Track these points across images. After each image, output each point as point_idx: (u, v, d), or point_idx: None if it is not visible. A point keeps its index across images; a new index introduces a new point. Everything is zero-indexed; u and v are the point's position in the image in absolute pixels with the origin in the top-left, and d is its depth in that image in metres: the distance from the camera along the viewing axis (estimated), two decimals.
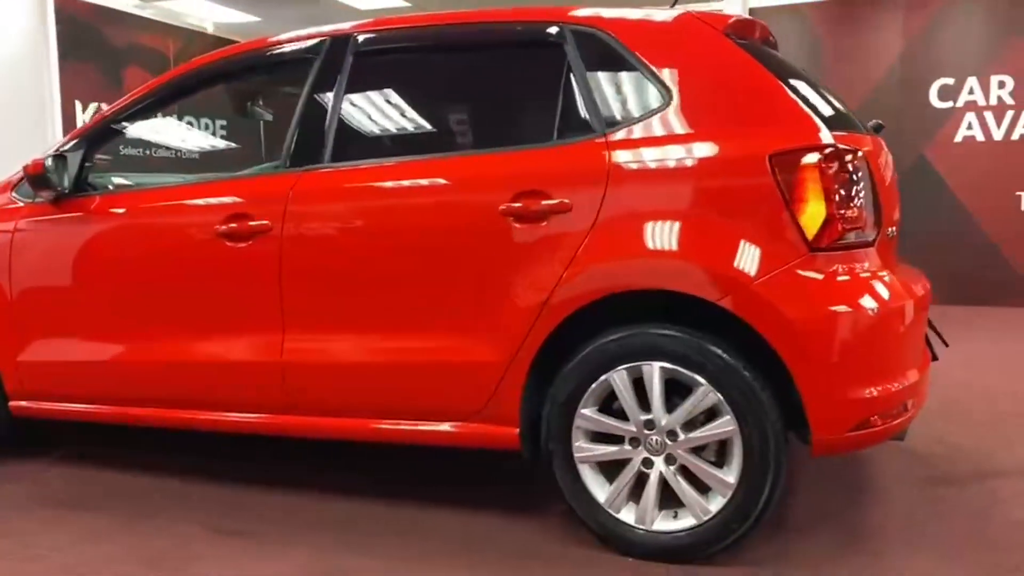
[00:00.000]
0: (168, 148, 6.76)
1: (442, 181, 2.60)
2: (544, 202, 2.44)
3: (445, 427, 2.61)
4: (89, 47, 7.76)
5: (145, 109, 3.14)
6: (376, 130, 2.85)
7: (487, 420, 2.56)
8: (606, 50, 2.53)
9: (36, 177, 2.94)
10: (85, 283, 3.04)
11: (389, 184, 2.66)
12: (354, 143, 2.79)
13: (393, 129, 2.85)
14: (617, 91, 2.53)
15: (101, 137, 3.17)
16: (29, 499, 3.01)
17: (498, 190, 2.49)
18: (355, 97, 2.80)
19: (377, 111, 2.83)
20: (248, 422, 2.86)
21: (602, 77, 2.54)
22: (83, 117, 7.61)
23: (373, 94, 2.82)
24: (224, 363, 2.83)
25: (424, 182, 2.63)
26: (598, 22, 2.57)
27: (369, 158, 2.77)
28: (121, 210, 3.02)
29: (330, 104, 2.78)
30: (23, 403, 3.21)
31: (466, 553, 2.51)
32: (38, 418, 3.25)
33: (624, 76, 2.54)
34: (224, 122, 7.79)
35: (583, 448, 2.46)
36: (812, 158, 2.25)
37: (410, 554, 2.51)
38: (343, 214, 2.68)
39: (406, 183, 2.64)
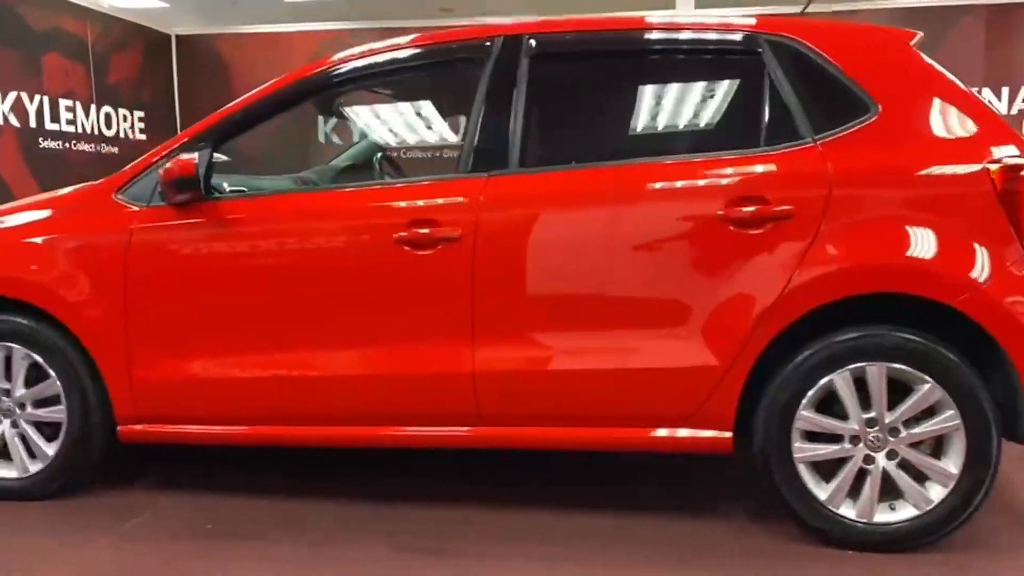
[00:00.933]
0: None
1: (654, 186, 2.59)
2: (764, 207, 2.48)
3: (657, 432, 2.61)
4: (6, 31, 7.04)
5: (277, 106, 2.92)
6: (567, 135, 2.80)
7: (698, 424, 2.58)
8: (804, 59, 2.61)
9: (184, 179, 2.69)
10: (228, 295, 2.80)
11: (596, 189, 2.62)
12: (544, 148, 2.72)
13: (585, 134, 2.81)
14: (819, 99, 2.60)
15: (227, 135, 2.92)
16: (180, 532, 2.75)
17: (715, 196, 2.52)
18: (538, 101, 2.74)
19: (565, 116, 2.78)
20: (429, 436, 2.74)
21: (802, 85, 2.61)
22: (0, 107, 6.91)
23: (558, 98, 2.77)
24: (400, 375, 2.70)
25: (632, 188, 2.60)
26: (793, 32, 2.64)
27: (562, 163, 2.71)
28: (268, 215, 2.81)
29: (511, 108, 2.70)
30: (136, 427, 2.92)
31: (695, 557, 2.53)
32: (144, 443, 2.96)
33: (825, 85, 2.62)
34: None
35: (803, 448, 2.53)
36: None
37: (634, 560, 2.50)
38: (544, 220, 2.62)
39: (614, 188, 2.61)
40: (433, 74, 3.00)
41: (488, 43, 2.79)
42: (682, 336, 2.54)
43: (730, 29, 2.69)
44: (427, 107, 3.10)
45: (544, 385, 2.64)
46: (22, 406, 2.99)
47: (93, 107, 7.88)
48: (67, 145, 7.54)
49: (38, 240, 2.92)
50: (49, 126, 7.37)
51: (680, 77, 2.76)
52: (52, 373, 2.93)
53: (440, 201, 2.67)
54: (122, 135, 8.32)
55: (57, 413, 2.95)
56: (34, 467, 3.00)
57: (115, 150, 8.19)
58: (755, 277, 2.48)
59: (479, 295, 2.63)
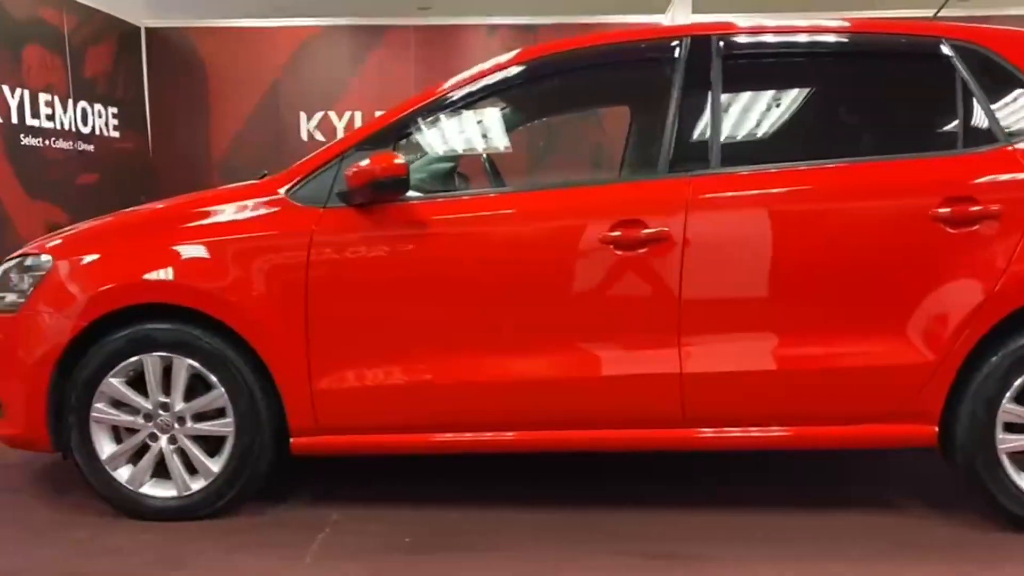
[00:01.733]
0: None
1: (864, 186, 2.65)
2: (975, 207, 2.57)
3: (867, 429, 2.66)
4: None
5: (461, 104, 2.85)
6: (767, 135, 2.82)
7: (907, 419, 2.65)
8: (991, 64, 2.71)
9: (389, 181, 2.59)
10: (421, 299, 2.71)
11: (804, 188, 2.66)
12: (742, 148, 2.74)
13: (784, 134, 2.83)
14: (1010, 103, 2.71)
15: (402, 135, 2.83)
16: (380, 548, 2.65)
17: (927, 195, 2.59)
18: (733, 102, 2.75)
19: (760, 116, 2.81)
20: (631, 439, 2.72)
21: (991, 90, 2.71)
22: None
23: (752, 99, 2.79)
24: (605, 378, 2.67)
25: (840, 188, 2.65)
26: (979, 38, 2.75)
27: (761, 163, 2.73)
28: (463, 217, 2.74)
29: (708, 108, 2.72)
30: (311, 439, 2.79)
31: (917, 550, 2.59)
32: (317, 455, 2.84)
33: (1011, 90, 2.73)
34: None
35: (1006, 439, 2.63)
36: None
37: (868, 555, 2.54)
38: (752, 219, 2.64)
39: (822, 188, 2.65)
40: (613, 74, 2.97)
41: (675, 44, 2.79)
42: (895, 334, 2.61)
43: (919, 33, 2.78)
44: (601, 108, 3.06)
45: (752, 386, 2.66)
46: (181, 420, 2.81)
47: (70, 102, 7.44)
48: (46, 142, 7.10)
49: (205, 244, 2.75)
50: (30, 121, 6.92)
51: (870, 79, 2.82)
52: (218, 385, 2.76)
53: (646, 201, 2.65)
54: (97, 132, 7.89)
55: (222, 427, 2.79)
56: (196, 484, 2.83)
57: (91, 148, 7.76)
58: (967, 275, 2.56)
59: (687, 295, 2.62)
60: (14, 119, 6.64)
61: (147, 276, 2.74)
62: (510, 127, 3.01)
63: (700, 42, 2.78)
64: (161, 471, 2.86)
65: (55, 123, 7.13)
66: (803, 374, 2.63)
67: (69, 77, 7.35)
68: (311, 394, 2.74)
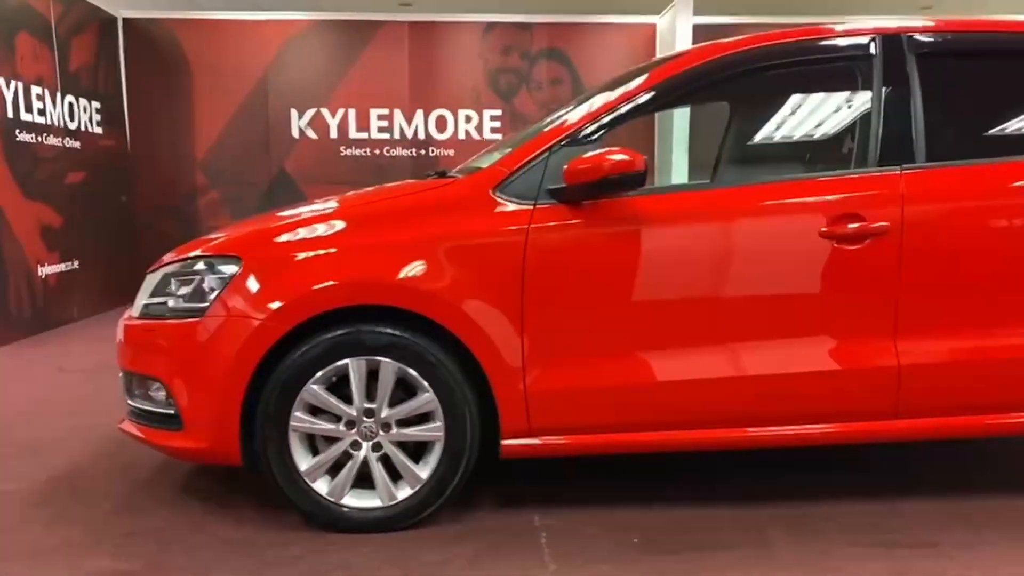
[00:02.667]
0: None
1: None
2: None
3: None
4: None
5: (657, 102, 2.83)
6: (963, 130, 2.90)
7: None
8: None
9: (626, 176, 2.55)
10: (636, 296, 2.68)
11: (1013, 183, 2.75)
12: (945, 142, 2.81)
13: (980, 130, 2.92)
14: None
15: (605, 131, 2.80)
16: (613, 551, 2.60)
17: None
18: (931, 98, 2.82)
19: (957, 112, 2.88)
20: (842, 432, 2.77)
21: None
22: None
23: (947, 95, 2.86)
24: (822, 372, 2.71)
25: None
26: None
27: (965, 157, 2.81)
28: (679, 212, 2.72)
29: (910, 104, 2.79)
30: (523, 441, 2.73)
31: None
32: (526, 458, 2.78)
33: None
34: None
35: None
36: None
37: None
38: (968, 211, 2.72)
39: None
40: (805, 70, 2.99)
41: (870, 41, 2.84)
42: None
43: None
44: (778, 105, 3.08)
45: (965, 375, 2.73)
46: (386, 427, 2.70)
47: (59, 96, 7.03)
48: (39, 139, 6.69)
49: (419, 243, 2.65)
50: (24, 116, 6.51)
51: None
52: (428, 388, 2.67)
53: (864, 196, 2.70)
54: (83, 128, 7.48)
55: (431, 431, 2.70)
56: (401, 493, 2.72)
57: (77, 145, 7.36)
58: None
59: (903, 288, 2.68)
60: (9, 113, 6.23)
61: (363, 277, 2.61)
62: (703, 122, 3.00)
63: (892, 40, 2.84)
64: (357, 482, 2.73)
65: (46, 118, 6.74)
66: (1018, 363, 2.71)
67: (57, 69, 6.94)
68: (525, 395, 2.68)
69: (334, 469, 2.73)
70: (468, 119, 8.47)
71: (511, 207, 2.68)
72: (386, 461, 2.72)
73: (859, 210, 2.68)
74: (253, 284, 2.65)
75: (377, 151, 8.45)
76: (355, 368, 2.64)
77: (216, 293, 2.66)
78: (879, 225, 2.67)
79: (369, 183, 8.50)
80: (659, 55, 8.43)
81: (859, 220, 2.67)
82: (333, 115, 8.40)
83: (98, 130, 7.72)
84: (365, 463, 2.71)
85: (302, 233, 2.74)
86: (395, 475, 2.73)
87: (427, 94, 8.46)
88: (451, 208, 2.71)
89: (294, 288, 2.60)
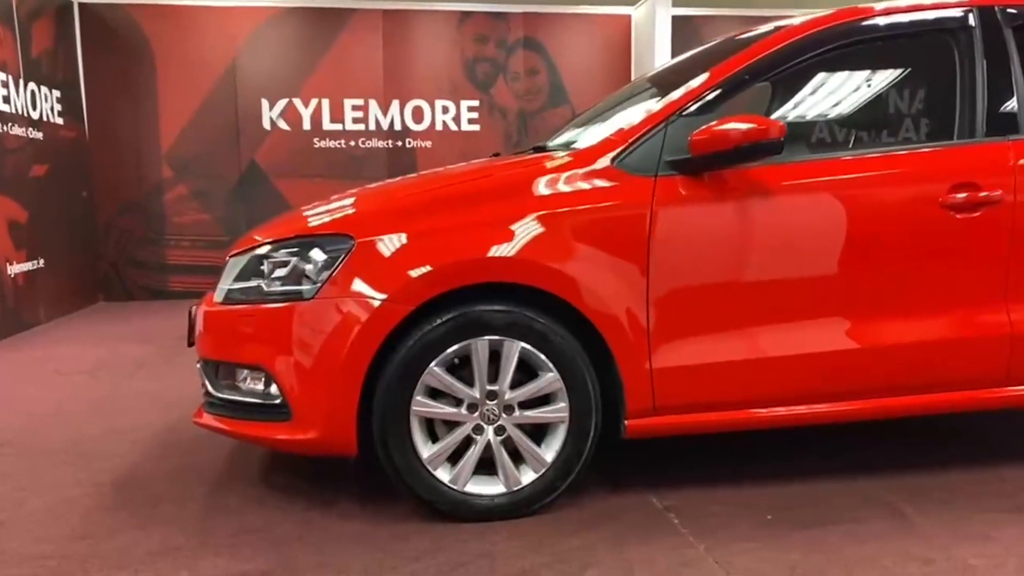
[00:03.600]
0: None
1: None
2: None
3: None
4: None
5: (772, 71, 2.79)
6: None
7: None
8: None
9: (764, 145, 2.50)
10: (764, 267, 2.65)
11: None
12: None
13: None
14: None
15: (725, 99, 2.75)
16: (748, 529, 2.55)
17: None
18: None
19: None
20: (953, 400, 2.79)
21: None
22: None
23: None
24: (936, 342, 2.73)
25: None
26: None
27: None
28: (805, 182, 2.69)
29: (1010, 74, 2.83)
30: (648, 420, 2.66)
31: None
32: (649, 438, 2.71)
33: None
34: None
35: None
36: None
37: None
38: None
39: None
40: (907, 42, 2.98)
41: (968, 13, 2.87)
42: None
43: None
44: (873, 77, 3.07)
45: None
46: (509, 409, 2.59)
47: (22, 83, 6.62)
48: (4, 128, 6.28)
49: (542, 219, 2.55)
50: None
51: None
52: (552, 368, 2.57)
53: (978, 165, 2.72)
54: (44, 118, 7.07)
55: (555, 413, 2.60)
56: (526, 478, 2.62)
57: (40, 136, 6.95)
58: None
59: (1015, 256, 2.71)
60: None
61: (491, 254, 2.50)
62: (815, 93, 2.97)
63: (987, 12, 2.87)
64: (477, 467, 2.62)
65: (11, 106, 6.34)
66: None
67: (19, 55, 6.54)
68: (650, 373, 2.60)
69: (453, 456, 2.60)
70: (445, 110, 8.33)
71: (633, 180, 2.59)
72: (506, 446, 2.60)
73: (975, 179, 2.70)
74: (372, 263, 2.50)
75: (352, 143, 8.23)
76: (478, 348, 2.52)
77: (328, 274, 2.50)
78: (993, 194, 2.68)
79: (344, 176, 8.32)
80: (635, 46, 8.46)
81: (975, 189, 2.69)
82: (306, 105, 8.15)
83: (59, 120, 7.31)
84: (485, 449, 2.58)
85: (418, 210, 2.60)
86: (515, 459, 2.62)
87: (403, 84, 8.29)
88: (571, 181, 2.61)
89: (413, 269, 2.47)
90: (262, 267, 2.66)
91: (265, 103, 8.11)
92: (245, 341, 2.63)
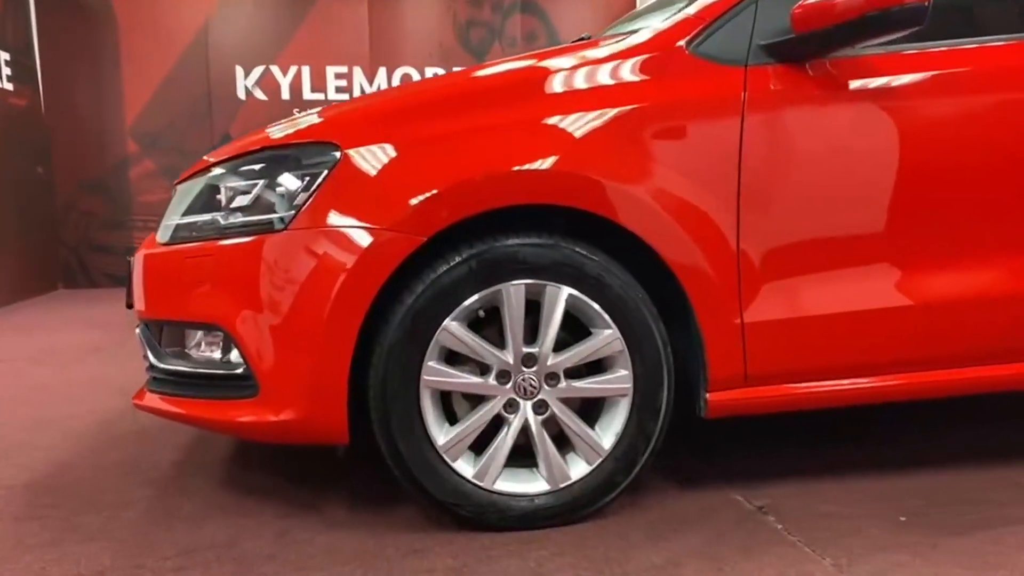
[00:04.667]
0: None
1: None
2: None
3: None
4: None
5: None
6: None
7: None
8: None
9: (902, 12, 1.83)
10: (903, 187, 2.00)
11: None
12: None
13: None
14: None
15: None
16: (880, 530, 1.89)
17: None
18: None
19: None
20: None
21: None
22: None
23: None
24: None
25: None
26: None
27: None
28: (953, 75, 2.04)
29: None
30: (737, 392, 2.00)
31: None
32: (736, 415, 2.04)
33: None
34: None
35: None
36: None
37: None
38: None
39: None
40: None
41: None
42: None
43: None
44: None
45: None
46: (551, 379, 1.91)
47: None
48: None
49: (591, 119, 1.88)
50: None
51: None
52: (611, 323, 1.90)
53: None
54: None
55: (616, 384, 1.93)
56: (576, 471, 1.95)
57: None
58: None
59: None
60: None
61: (524, 166, 1.82)
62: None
63: None
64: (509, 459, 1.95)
65: None
66: None
67: None
68: (742, 329, 1.94)
69: (478, 443, 1.92)
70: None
71: (716, 71, 1.93)
72: (548, 429, 1.96)
73: None
74: (365, 182, 1.83)
75: None
76: (511, 297, 1.85)
77: (306, 197, 1.83)
78: None
79: None
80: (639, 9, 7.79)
81: None
82: (284, 73, 7.44)
83: (8, 86, 6.55)
84: (520, 433, 1.93)
85: (429, 110, 1.92)
86: (561, 447, 1.96)
87: (390, 50, 7.59)
88: (633, 71, 1.94)
89: (417, 188, 1.80)
90: (218, 195, 1.98)
91: (240, 71, 7.40)
92: (196, 292, 1.95)
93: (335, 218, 1.82)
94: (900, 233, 1.99)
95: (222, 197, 1.98)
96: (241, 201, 1.95)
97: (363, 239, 1.79)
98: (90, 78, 7.23)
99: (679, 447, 2.39)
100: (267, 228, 1.87)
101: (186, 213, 2.04)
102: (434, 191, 1.80)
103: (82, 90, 7.24)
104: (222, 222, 1.96)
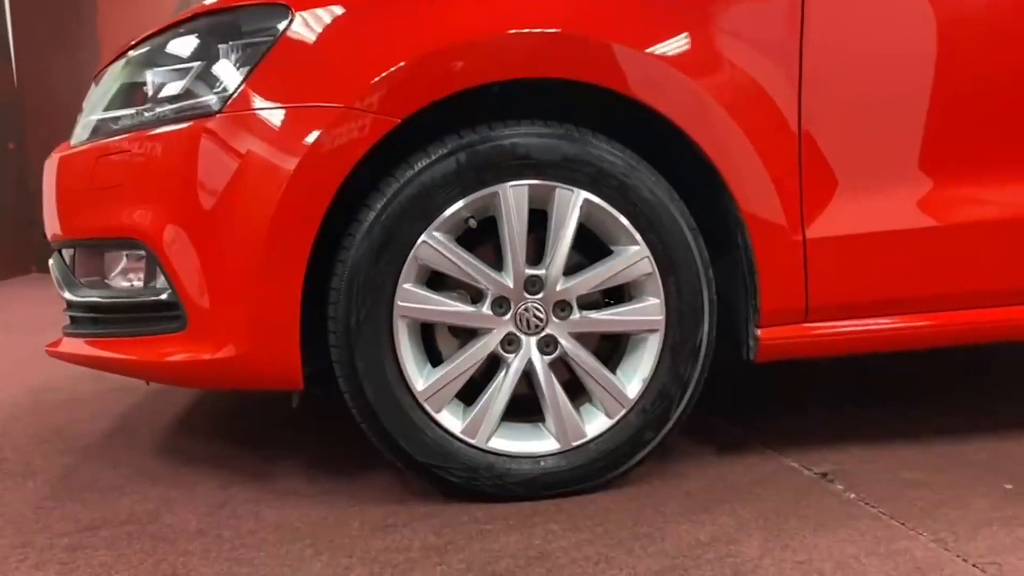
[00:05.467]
0: None
1: None
2: None
3: None
4: None
5: None
6: None
7: None
8: None
9: None
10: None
11: None
12: None
13: None
14: None
15: None
16: (970, 500, 1.47)
17: None
18: None
19: None
20: None
21: None
22: None
23: None
24: None
25: None
26: None
27: None
28: None
29: None
30: (795, 331, 1.58)
31: None
32: (792, 358, 1.62)
33: None
34: None
35: None
36: None
37: None
38: None
39: None
40: None
41: None
42: None
43: None
44: None
45: None
46: (562, 307, 1.49)
47: None
48: None
49: None
50: None
51: None
52: (638, 238, 1.49)
53: None
54: None
55: (642, 314, 1.51)
56: (595, 426, 1.52)
57: None
58: None
59: None
60: None
61: (507, 31, 1.41)
62: None
63: None
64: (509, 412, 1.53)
65: None
66: None
67: None
68: (803, 246, 1.52)
69: (467, 392, 1.50)
70: None
71: None
72: (557, 373, 1.54)
73: None
74: (323, 50, 1.41)
75: None
76: (509, 202, 1.43)
77: (248, 71, 1.41)
78: None
79: None
80: None
81: None
82: None
83: None
84: (522, 378, 1.50)
85: None
86: (573, 397, 1.54)
87: None
88: None
89: (399, 51, 1.37)
90: (143, 82, 1.56)
91: None
92: (114, 199, 1.54)
93: (284, 96, 1.41)
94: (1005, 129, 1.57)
95: (150, 83, 1.57)
96: (171, 88, 1.54)
97: (318, 121, 1.37)
98: (66, 50, 6.81)
99: (699, 405, 1.97)
100: (201, 112, 1.45)
101: (108, 108, 1.63)
102: (405, 63, 1.38)
103: (58, 63, 6.82)
104: (148, 114, 1.54)
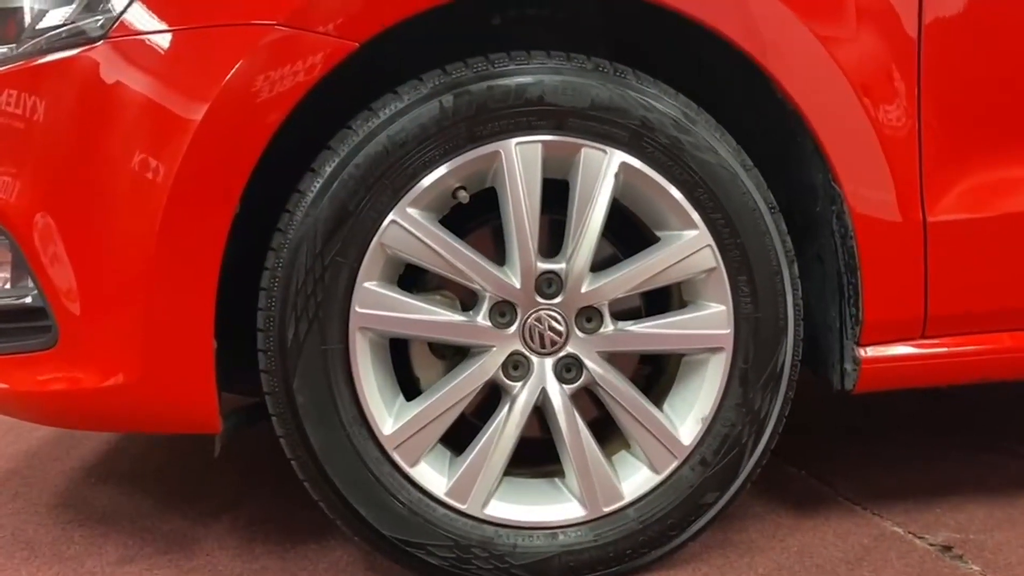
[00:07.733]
0: None
1: None
2: None
3: None
4: None
5: None
6: None
7: None
8: None
9: None
10: None
11: None
12: None
13: None
14: None
15: None
16: None
17: None
18: None
19: None
20: None
21: None
22: None
23: None
24: None
25: None
26: None
27: None
28: None
29: None
30: (919, 349, 1.14)
31: None
32: (899, 387, 1.18)
33: None
34: None
35: None
36: None
37: None
38: None
39: None
40: None
41: None
42: None
43: None
44: None
45: None
46: (589, 319, 1.05)
47: None
48: None
49: None
50: None
51: None
52: (697, 220, 1.04)
53: None
54: None
55: (700, 327, 1.06)
56: (633, 483, 1.08)
57: None
58: None
59: None
60: None
61: None
62: None
63: None
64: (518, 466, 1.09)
65: None
66: None
67: None
68: (924, 235, 1.08)
69: (453, 435, 1.06)
70: None
71: None
72: (581, 409, 1.10)
73: None
74: None
75: None
76: (516, 165, 0.99)
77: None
78: None
79: None
80: None
81: None
82: None
83: None
84: (532, 415, 1.06)
85: None
86: (601, 442, 1.11)
87: None
88: None
89: None
90: (17, 17, 1.14)
91: None
92: None
93: (188, 12, 0.97)
94: None
95: (27, 9, 1.14)
96: (53, 18, 1.11)
97: (238, 47, 0.94)
98: None
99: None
100: (77, 41, 1.02)
101: None
102: None
103: None
104: (19, 48, 1.11)
